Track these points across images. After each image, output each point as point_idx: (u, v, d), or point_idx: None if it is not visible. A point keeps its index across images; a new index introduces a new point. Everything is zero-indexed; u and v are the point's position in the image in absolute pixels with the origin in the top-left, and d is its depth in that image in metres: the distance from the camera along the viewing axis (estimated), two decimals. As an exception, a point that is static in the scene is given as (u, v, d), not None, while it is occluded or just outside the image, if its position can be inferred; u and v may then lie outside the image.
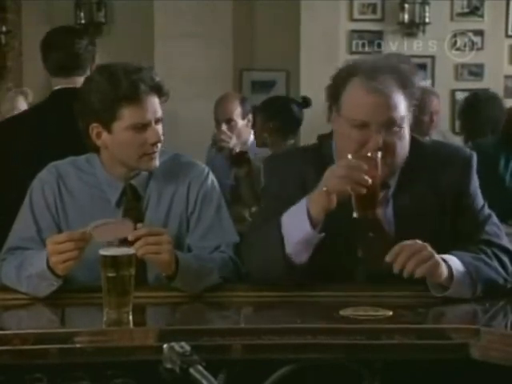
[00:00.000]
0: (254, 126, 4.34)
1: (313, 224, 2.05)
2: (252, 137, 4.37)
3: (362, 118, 2.07)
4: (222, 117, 4.34)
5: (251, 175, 3.80)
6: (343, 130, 2.11)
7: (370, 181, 1.98)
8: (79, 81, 2.99)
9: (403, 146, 2.13)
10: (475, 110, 4.53)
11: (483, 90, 5.62)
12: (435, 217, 2.18)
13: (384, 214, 2.19)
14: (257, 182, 3.59)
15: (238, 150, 3.95)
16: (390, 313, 1.92)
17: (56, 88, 3.11)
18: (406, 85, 2.11)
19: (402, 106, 2.10)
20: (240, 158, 3.86)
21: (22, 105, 4.48)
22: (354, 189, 1.98)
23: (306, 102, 4.43)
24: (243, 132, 4.31)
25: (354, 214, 2.03)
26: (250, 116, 4.37)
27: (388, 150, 2.08)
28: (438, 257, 2.00)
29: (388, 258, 1.97)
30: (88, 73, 3.03)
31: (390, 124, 2.08)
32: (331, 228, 2.11)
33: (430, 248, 1.99)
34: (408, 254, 1.96)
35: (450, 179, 2.19)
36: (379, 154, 2.02)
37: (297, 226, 2.07)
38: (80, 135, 2.29)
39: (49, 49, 3.14)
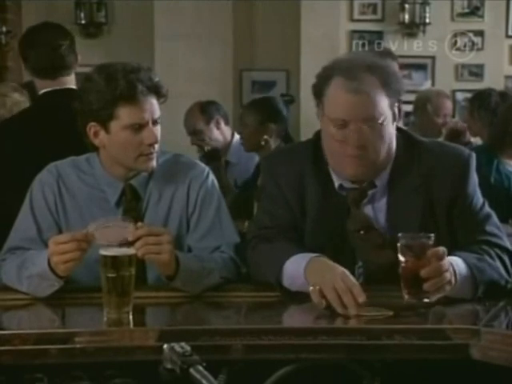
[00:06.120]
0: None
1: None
2: (237, 137, 4.44)
3: (341, 117, 2.08)
4: (188, 130, 4.56)
5: (222, 168, 4.23)
6: (326, 129, 2.13)
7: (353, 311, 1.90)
8: (66, 81, 3.01)
9: (384, 143, 2.12)
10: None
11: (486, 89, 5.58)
12: (423, 217, 2.16)
13: (373, 211, 2.19)
14: None
15: (209, 148, 4.35)
16: (391, 313, 1.92)
17: (44, 90, 3.06)
18: (386, 82, 2.10)
19: (381, 104, 2.09)
20: (212, 155, 4.27)
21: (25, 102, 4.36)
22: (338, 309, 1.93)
23: (290, 100, 4.47)
24: (214, 137, 4.46)
25: (405, 298, 1.99)
26: (218, 117, 4.48)
27: (368, 147, 2.09)
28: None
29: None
30: (73, 72, 3.04)
31: (368, 121, 2.08)
32: (328, 230, 2.14)
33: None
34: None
35: (444, 180, 2.17)
36: (431, 239, 1.99)
37: (296, 280, 2.06)
38: (76, 135, 2.30)
39: (31, 48, 3.05)
